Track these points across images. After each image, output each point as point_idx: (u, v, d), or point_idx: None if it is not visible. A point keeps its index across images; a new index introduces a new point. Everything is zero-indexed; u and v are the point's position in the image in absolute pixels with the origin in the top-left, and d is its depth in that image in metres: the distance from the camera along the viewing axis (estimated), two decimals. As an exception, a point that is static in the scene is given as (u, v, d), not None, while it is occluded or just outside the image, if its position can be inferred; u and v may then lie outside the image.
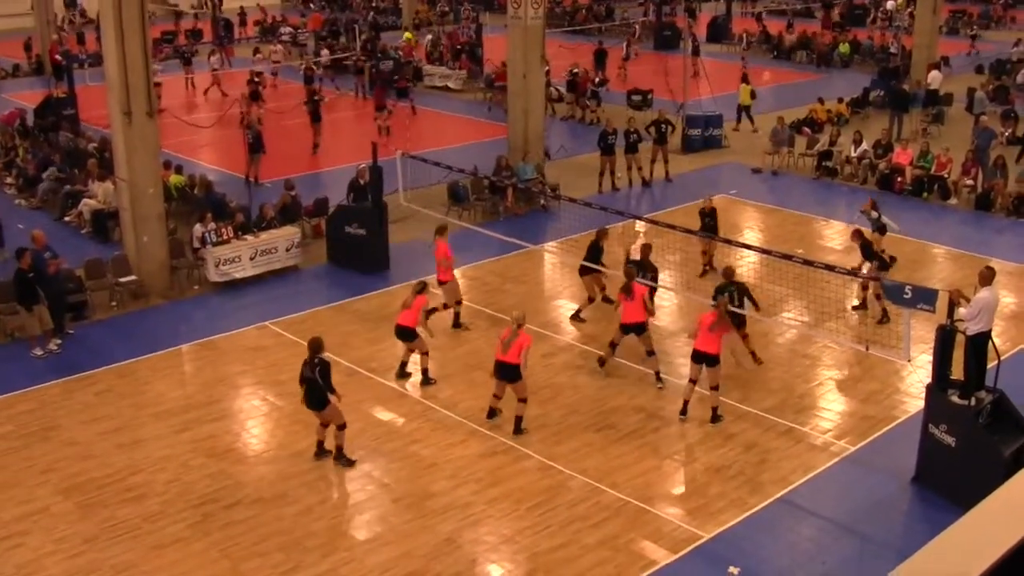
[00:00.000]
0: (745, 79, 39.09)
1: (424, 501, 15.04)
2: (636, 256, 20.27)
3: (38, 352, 19.89)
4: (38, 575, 13.54)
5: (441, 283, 20.69)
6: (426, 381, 18.69)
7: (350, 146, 35.45)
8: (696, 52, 36.17)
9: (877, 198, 24.43)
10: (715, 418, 17.20)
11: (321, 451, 16.18)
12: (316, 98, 36.96)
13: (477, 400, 17.74)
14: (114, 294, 22.24)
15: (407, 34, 52.19)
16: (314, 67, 39.97)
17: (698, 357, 17.02)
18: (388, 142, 32.78)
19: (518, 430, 16.76)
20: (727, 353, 17.93)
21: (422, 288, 18.40)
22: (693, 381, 17.26)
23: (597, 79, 40.67)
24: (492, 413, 17.24)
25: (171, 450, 16.48)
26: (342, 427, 15.91)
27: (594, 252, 20.80)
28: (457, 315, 20.96)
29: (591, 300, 21.32)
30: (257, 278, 23.30)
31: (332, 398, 15.65)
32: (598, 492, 15.22)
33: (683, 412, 17.34)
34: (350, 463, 15.97)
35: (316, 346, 15.64)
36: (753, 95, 38.34)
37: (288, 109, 38.08)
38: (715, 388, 17.13)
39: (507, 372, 16.58)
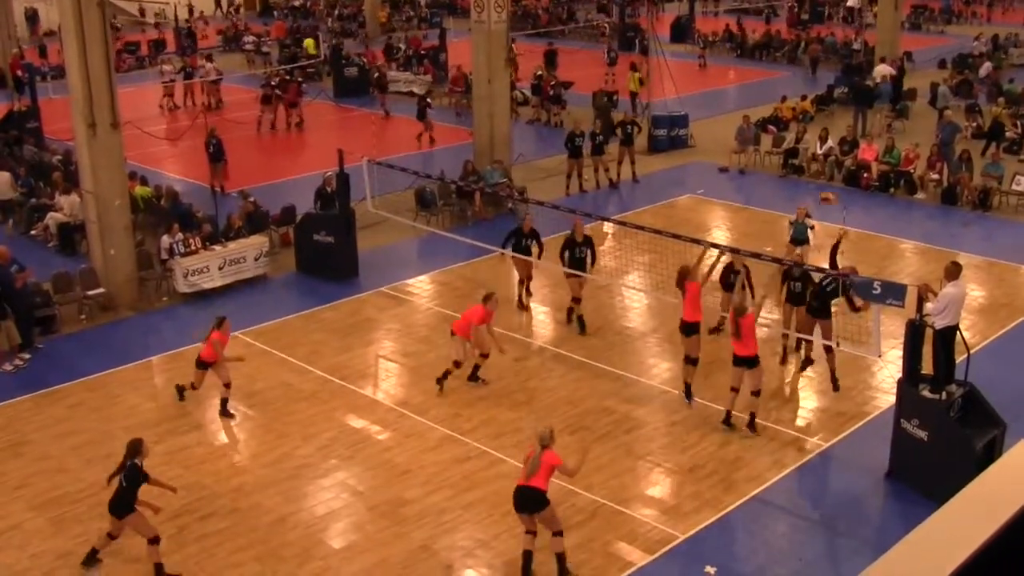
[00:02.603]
0: (634, 67, 40.58)
1: (399, 508, 15.02)
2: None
3: (7, 367, 19.75)
4: (12, 592, 13.47)
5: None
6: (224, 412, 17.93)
7: (317, 153, 35.38)
8: (645, 52, 36.31)
9: (837, 195, 24.52)
10: (752, 425, 16.86)
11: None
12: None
13: (450, 407, 17.73)
14: (82, 307, 22.11)
15: (308, 41, 52.13)
16: (272, 86, 39.66)
17: (738, 361, 16.65)
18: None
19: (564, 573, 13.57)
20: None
21: (219, 323, 18.00)
22: (735, 389, 16.87)
23: (553, 81, 40.67)
24: (528, 565, 13.61)
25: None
26: (156, 540, 13.83)
27: (570, 248, 20.87)
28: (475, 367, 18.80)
29: (576, 300, 21.12)
30: (226, 288, 23.20)
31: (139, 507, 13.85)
32: (573, 495, 15.23)
33: (727, 421, 16.96)
34: None
35: (134, 449, 13.83)
36: (641, 82, 39.58)
37: (249, 120, 38.09)
38: (756, 393, 16.80)
39: (532, 502, 13.34)
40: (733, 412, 16.97)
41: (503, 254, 21.95)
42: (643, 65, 38.55)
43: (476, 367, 18.58)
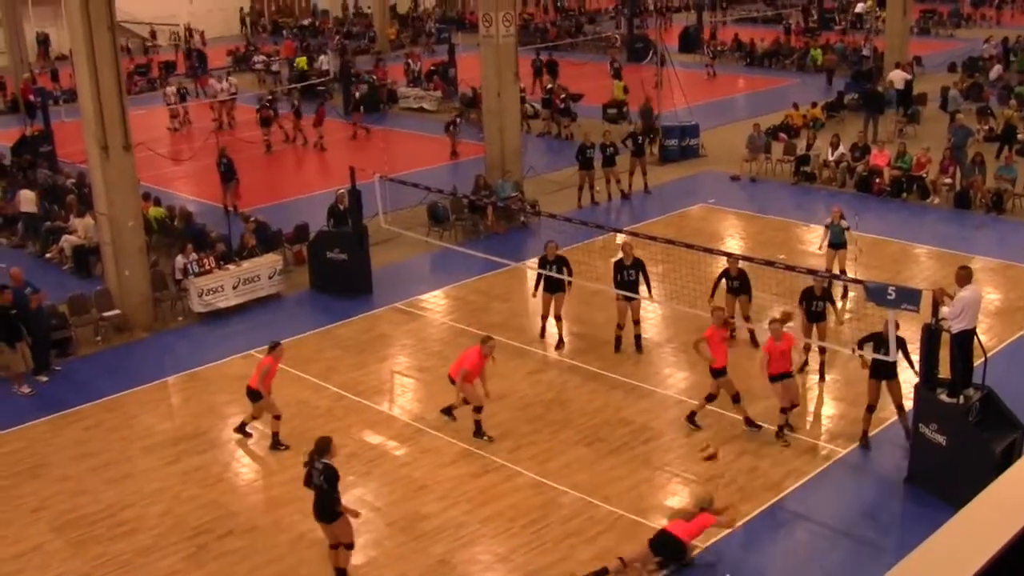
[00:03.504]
0: (617, 75, 42.49)
1: (417, 523, 15.00)
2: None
3: (26, 390, 19.81)
4: (32, 615, 13.49)
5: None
6: (275, 445, 17.47)
7: (328, 171, 35.48)
8: (663, 62, 36.28)
9: (843, 205, 24.48)
10: (779, 434, 16.82)
11: None
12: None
13: (465, 421, 17.69)
14: (98, 329, 22.17)
15: (300, 60, 52.68)
16: (268, 105, 39.79)
17: (774, 379, 16.62)
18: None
19: None
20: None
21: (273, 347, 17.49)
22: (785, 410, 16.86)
23: (563, 95, 40.70)
24: None
25: (162, 483, 16.42)
26: (350, 547, 13.88)
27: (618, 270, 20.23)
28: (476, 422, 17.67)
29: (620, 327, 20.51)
30: (240, 307, 23.24)
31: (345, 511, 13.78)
32: (591, 507, 15.21)
33: (780, 433, 16.89)
34: None
35: (322, 448, 13.71)
36: (626, 90, 40.96)
37: (258, 139, 38.25)
38: (785, 410, 16.71)
39: (671, 549, 13.77)
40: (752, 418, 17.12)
41: (534, 295, 21.11)
42: (656, 76, 38.56)
43: (478, 423, 17.50)
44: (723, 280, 20.11)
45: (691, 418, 17.49)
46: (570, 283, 20.65)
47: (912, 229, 27.12)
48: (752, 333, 20.56)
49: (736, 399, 17.17)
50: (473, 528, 14.86)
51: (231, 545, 14.72)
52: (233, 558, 14.42)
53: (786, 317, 17.98)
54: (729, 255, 20.26)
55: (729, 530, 14.15)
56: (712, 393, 17.30)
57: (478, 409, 17.40)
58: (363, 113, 41.33)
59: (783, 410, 16.77)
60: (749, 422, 17.21)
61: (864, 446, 16.68)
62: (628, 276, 19.96)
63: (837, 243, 22.07)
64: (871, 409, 16.68)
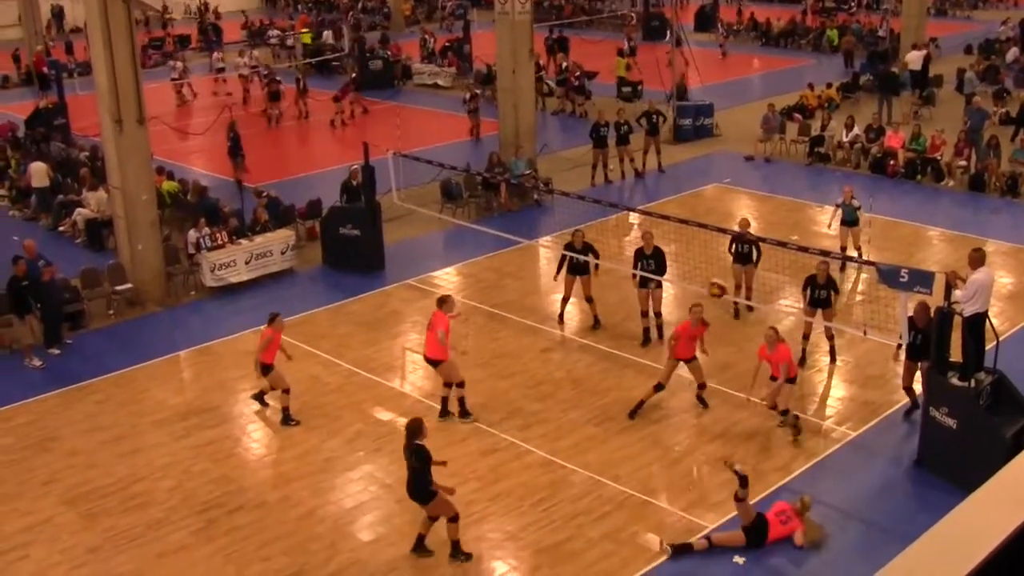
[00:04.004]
0: (620, 53, 42.60)
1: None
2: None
3: (37, 363, 19.86)
4: (43, 586, 13.55)
5: (436, 363, 17.44)
6: (285, 420, 17.48)
7: (341, 146, 35.46)
8: (679, 42, 36.10)
9: (857, 187, 24.44)
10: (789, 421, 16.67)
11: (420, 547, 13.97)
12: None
13: (476, 397, 17.71)
14: (110, 302, 22.22)
15: (304, 35, 52.88)
16: (278, 81, 39.82)
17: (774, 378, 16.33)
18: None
19: None
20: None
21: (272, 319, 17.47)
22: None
23: (578, 72, 40.61)
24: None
25: (172, 457, 16.47)
26: (454, 519, 13.79)
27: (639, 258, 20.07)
28: (459, 400, 17.49)
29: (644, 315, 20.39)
30: (253, 282, 23.26)
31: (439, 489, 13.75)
32: (600, 486, 15.23)
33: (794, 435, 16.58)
34: (467, 558, 13.82)
35: (414, 430, 13.65)
36: (628, 67, 41.32)
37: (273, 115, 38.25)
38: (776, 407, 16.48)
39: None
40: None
41: (556, 279, 20.91)
42: (669, 55, 38.39)
43: (461, 400, 17.42)
44: (734, 245, 20.37)
45: (700, 397, 17.50)
46: (597, 267, 20.57)
47: (926, 211, 27.02)
48: (741, 307, 21.01)
49: (702, 387, 17.34)
50: (483, 506, 14.88)
51: (241, 520, 14.76)
52: (242, 533, 14.46)
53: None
54: (735, 233, 20.27)
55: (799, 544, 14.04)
56: (702, 383, 17.36)
57: (460, 384, 17.36)
58: (353, 91, 40.15)
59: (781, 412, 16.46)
60: (701, 399, 17.48)
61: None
62: (647, 266, 19.85)
63: (850, 221, 22.45)
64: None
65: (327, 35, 52.52)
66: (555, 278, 20.86)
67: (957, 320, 15.26)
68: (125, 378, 19.38)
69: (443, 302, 17.28)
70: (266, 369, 17.30)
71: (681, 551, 13.58)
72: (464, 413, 17.35)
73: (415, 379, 19.03)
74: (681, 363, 17.26)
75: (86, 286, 22.15)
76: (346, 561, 13.81)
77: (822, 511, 14.64)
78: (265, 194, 26.02)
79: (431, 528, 13.83)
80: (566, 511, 14.66)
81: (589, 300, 20.75)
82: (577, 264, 20.32)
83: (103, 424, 17.65)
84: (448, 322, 17.05)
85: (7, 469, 16.31)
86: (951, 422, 14.95)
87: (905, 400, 17.09)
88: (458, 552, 13.74)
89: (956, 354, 15.44)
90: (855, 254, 22.19)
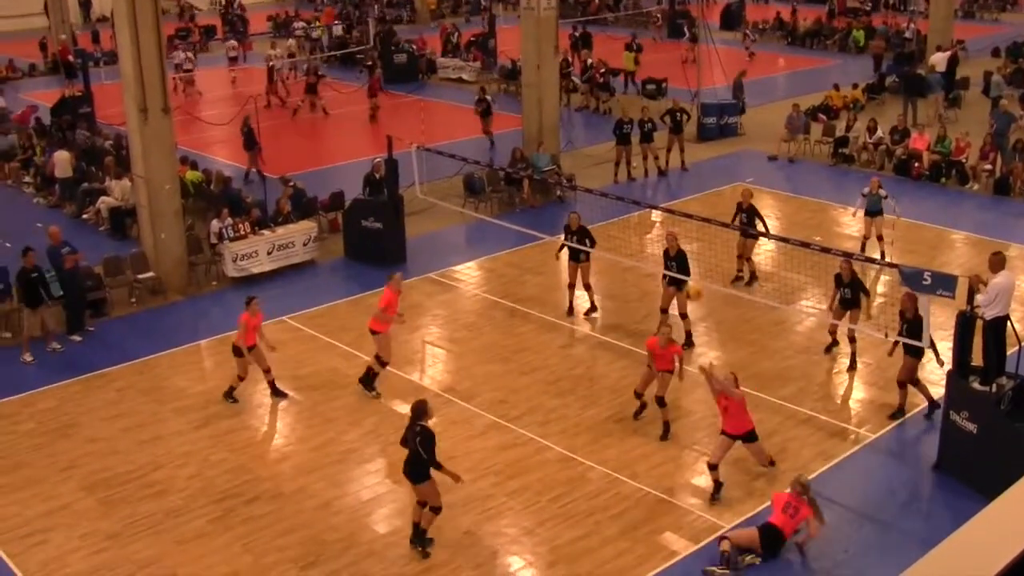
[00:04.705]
0: (629, 47, 43.17)
1: (444, 494, 15.01)
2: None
3: (29, 359, 19.74)
4: (62, 571, 13.60)
5: (373, 332, 18.29)
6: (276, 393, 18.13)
7: (362, 140, 35.53)
8: (695, 39, 36.18)
9: (878, 183, 24.38)
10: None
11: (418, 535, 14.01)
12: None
13: (495, 392, 17.74)
14: (133, 291, 22.32)
15: (319, 29, 53.05)
16: (319, 75, 39.93)
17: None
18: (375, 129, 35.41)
19: None
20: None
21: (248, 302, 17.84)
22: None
23: (603, 69, 40.54)
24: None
25: (192, 446, 16.54)
26: (436, 510, 13.91)
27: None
28: (371, 373, 18.21)
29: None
30: (274, 273, 23.33)
31: (435, 474, 13.75)
32: (618, 483, 15.22)
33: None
34: (426, 555, 13.80)
35: (419, 411, 13.80)
36: (636, 61, 42.14)
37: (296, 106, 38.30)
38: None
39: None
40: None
41: (557, 257, 21.50)
42: (689, 52, 38.36)
43: (371, 372, 18.11)
44: (737, 217, 21.12)
45: (644, 405, 17.15)
46: (587, 254, 20.68)
47: (950, 214, 26.91)
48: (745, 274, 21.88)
49: (661, 403, 16.60)
50: (500, 501, 14.90)
51: (258, 510, 14.81)
52: (260, 523, 14.51)
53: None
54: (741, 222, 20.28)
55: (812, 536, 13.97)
56: (662, 396, 16.73)
57: (382, 362, 18.00)
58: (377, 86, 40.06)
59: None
60: (666, 427, 16.69)
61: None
62: (670, 267, 19.72)
63: (875, 211, 22.94)
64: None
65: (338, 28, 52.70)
66: (556, 256, 21.54)
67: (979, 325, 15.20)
68: (146, 366, 19.46)
69: (390, 278, 18.32)
70: (237, 351, 17.61)
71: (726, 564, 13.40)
72: (368, 382, 18.03)
73: (434, 373, 19.06)
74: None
75: (109, 274, 22.24)
76: (362, 553, 13.84)
77: (839, 513, 14.61)
78: (292, 183, 26.06)
79: (422, 514, 13.83)
80: (583, 507, 14.66)
81: (587, 287, 20.94)
82: (575, 251, 20.69)
83: (123, 411, 17.73)
84: (393, 297, 17.79)
85: (28, 454, 16.41)
86: (971, 426, 14.88)
87: (926, 403, 17.02)
88: (422, 540, 13.81)
89: (977, 358, 15.40)
90: (878, 246, 22.35)
